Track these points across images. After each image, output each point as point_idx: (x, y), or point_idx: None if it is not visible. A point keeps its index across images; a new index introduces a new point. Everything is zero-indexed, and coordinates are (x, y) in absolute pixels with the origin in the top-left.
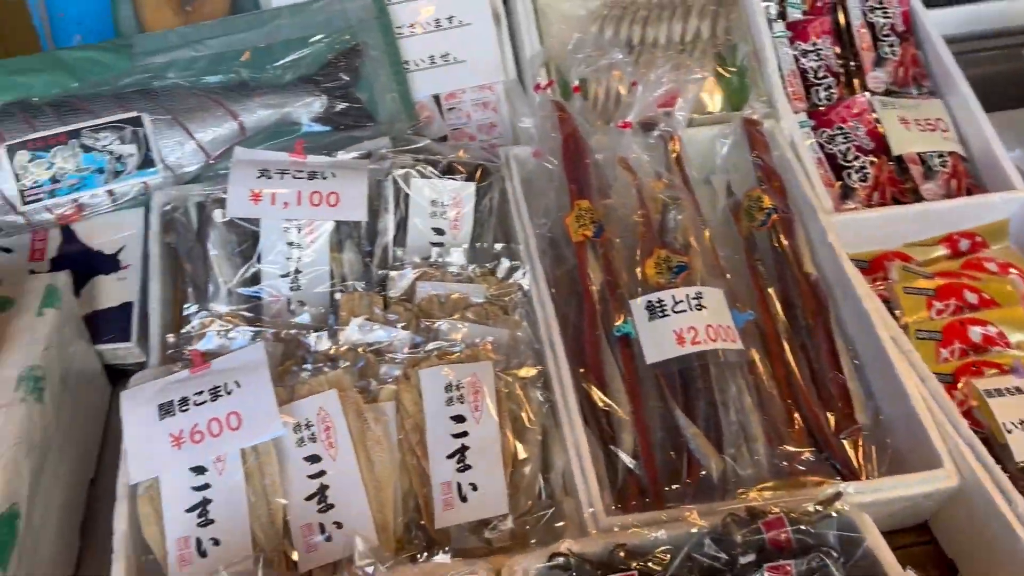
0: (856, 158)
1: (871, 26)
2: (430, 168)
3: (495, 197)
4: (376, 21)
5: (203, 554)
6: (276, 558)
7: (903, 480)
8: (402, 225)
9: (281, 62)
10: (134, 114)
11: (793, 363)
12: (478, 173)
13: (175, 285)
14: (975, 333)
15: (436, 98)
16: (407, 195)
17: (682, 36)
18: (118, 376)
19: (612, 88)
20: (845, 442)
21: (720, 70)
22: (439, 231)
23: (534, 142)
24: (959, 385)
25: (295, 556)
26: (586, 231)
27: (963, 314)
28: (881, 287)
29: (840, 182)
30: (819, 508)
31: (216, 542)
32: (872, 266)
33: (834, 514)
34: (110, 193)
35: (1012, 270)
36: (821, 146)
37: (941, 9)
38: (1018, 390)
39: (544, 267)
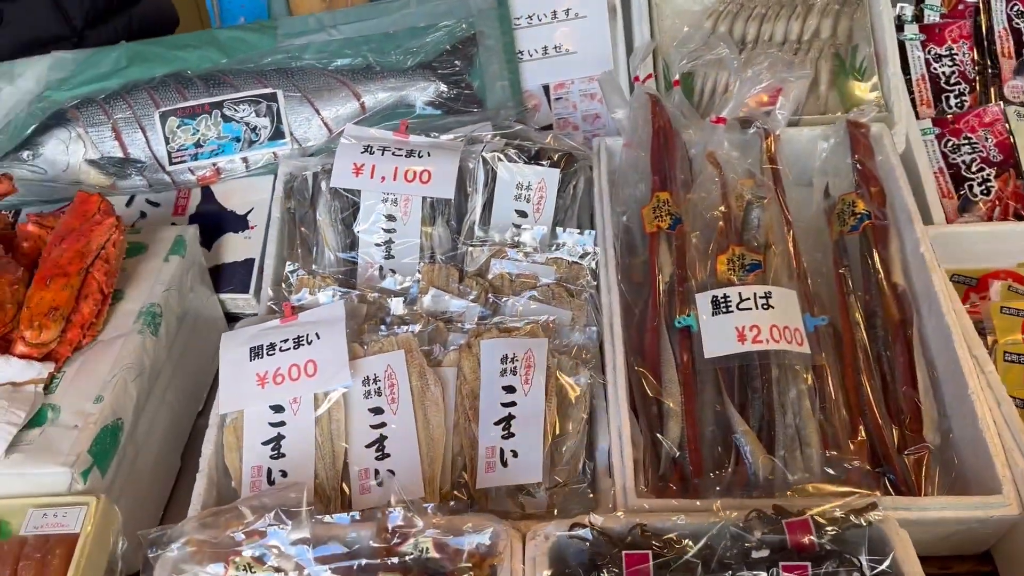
0: (980, 170)
1: (1016, 32)
2: (517, 153)
3: (580, 184)
4: (495, 12)
5: (272, 483)
6: (333, 495)
7: (953, 502)
8: (488, 205)
9: (403, 48)
10: (270, 90)
11: (865, 373)
12: (564, 160)
13: (292, 246)
14: None
15: (545, 88)
16: (495, 177)
17: (799, 35)
18: None
19: (719, 83)
20: (909, 459)
21: (836, 71)
22: (522, 213)
23: (627, 133)
24: None
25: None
26: (661, 222)
27: None
28: (979, 306)
29: (960, 194)
30: (849, 516)
31: (284, 474)
32: (980, 283)
33: (864, 524)
34: (244, 160)
35: None
36: (944, 155)
37: None
38: None
39: (618, 255)
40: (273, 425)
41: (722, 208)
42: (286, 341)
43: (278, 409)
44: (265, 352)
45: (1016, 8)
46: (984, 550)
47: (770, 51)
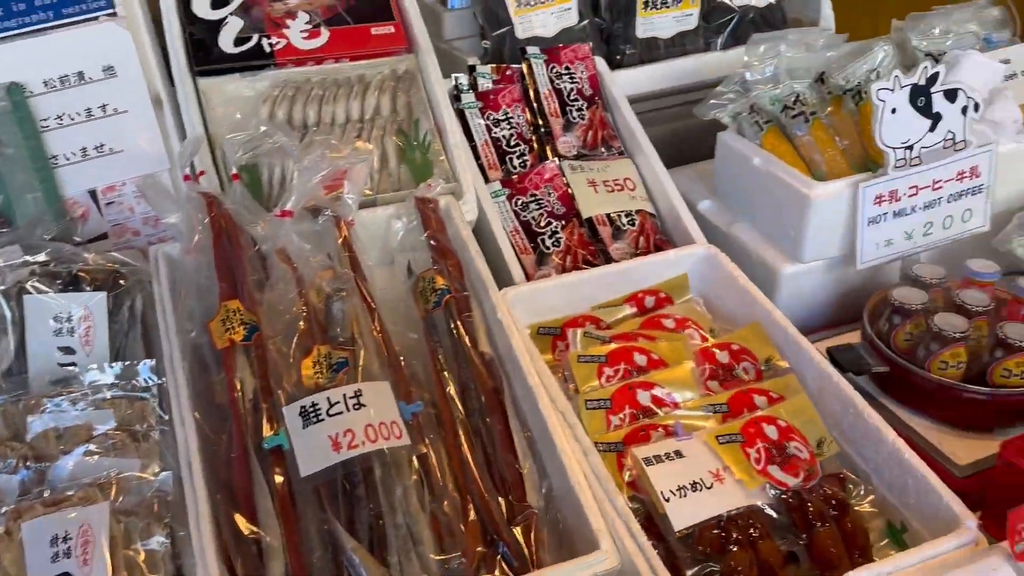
0: (548, 224)
1: (558, 92)
2: (48, 280)
3: (136, 304)
4: (12, 116)
5: None
6: None
7: (558, 570)
8: (22, 348)
9: None
10: None
11: (468, 450)
12: (112, 279)
13: None
14: (644, 396)
15: (92, 193)
16: (23, 314)
17: (361, 114)
18: None
19: (288, 172)
20: (518, 529)
21: (403, 147)
22: (68, 350)
23: (185, 239)
24: (628, 454)
25: None
26: (234, 335)
27: (632, 378)
28: (561, 356)
29: (535, 248)
30: None
31: None
32: (562, 333)
33: None
34: None
35: (689, 325)
36: (517, 214)
37: (632, 69)
38: (678, 454)
39: (191, 380)
40: None
41: (302, 306)
42: None
43: None
44: None
45: (555, 70)
46: None
47: (326, 136)
